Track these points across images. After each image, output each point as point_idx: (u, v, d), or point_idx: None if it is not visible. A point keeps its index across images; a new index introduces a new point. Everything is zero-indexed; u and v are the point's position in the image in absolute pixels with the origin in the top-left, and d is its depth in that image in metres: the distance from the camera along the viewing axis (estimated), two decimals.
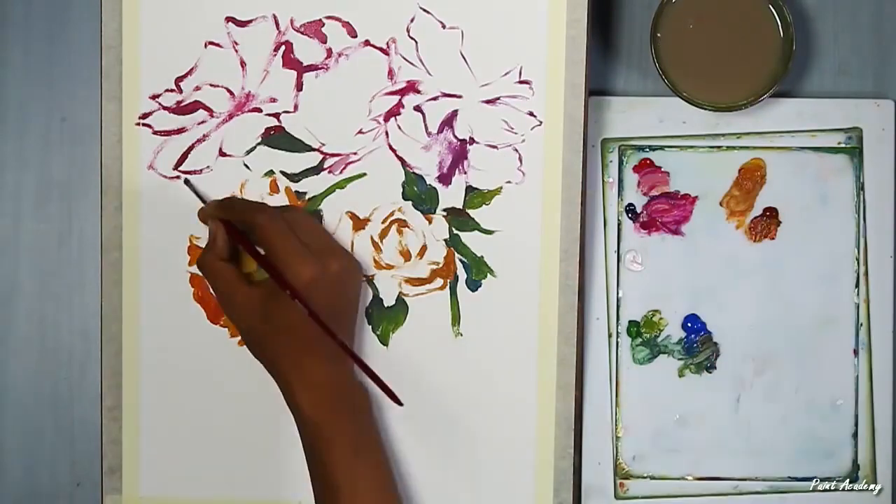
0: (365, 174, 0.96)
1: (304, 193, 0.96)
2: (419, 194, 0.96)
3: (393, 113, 0.95)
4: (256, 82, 0.95)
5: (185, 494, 0.96)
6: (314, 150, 0.96)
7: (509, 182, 0.95)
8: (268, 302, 0.89)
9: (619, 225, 0.99)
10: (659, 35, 0.95)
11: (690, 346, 0.99)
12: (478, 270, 0.96)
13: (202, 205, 0.94)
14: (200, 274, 0.95)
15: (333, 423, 0.89)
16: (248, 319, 0.90)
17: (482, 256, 0.96)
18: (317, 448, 0.89)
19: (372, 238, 0.96)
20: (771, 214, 0.99)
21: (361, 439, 0.90)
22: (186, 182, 0.94)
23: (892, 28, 1.00)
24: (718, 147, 0.99)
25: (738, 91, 0.95)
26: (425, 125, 0.95)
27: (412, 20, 0.95)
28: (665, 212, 0.99)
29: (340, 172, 0.96)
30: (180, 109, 0.95)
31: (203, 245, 0.95)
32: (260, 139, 0.96)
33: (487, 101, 0.95)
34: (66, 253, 1.00)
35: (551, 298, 0.95)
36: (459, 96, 0.95)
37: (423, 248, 0.96)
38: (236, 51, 0.95)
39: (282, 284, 0.88)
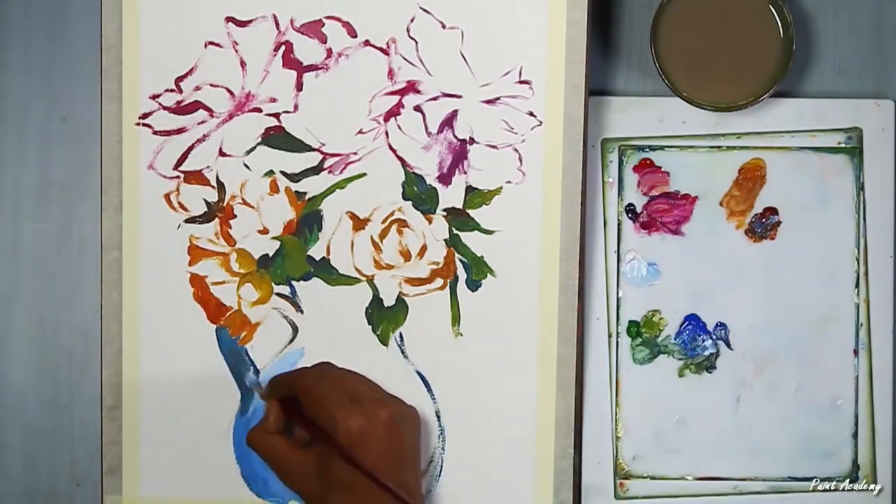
0: (365, 174, 0.96)
1: (304, 193, 0.96)
2: (419, 194, 0.96)
3: (393, 113, 0.95)
4: (256, 82, 0.95)
5: (185, 494, 0.96)
6: (314, 150, 0.96)
7: (509, 182, 0.95)
8: (321, 463, 0.89)
9: (619, 225, 0.99)
10: (659, 35, 0.95)
11: (690, 347, 0.99)
12: (478, 270, 0.96)
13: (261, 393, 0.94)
14: (201, 275, 0.95)
15: None
16: (307, 484, 0.90)
17: (482, 256, 0.96)
18: None
19: (372, 238, 0.96)
20: (771, 214, 0.99)
21: None
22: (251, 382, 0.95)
23: (892, 28, 1.00)
24: (718, 147, 0.99)
25: (739, 91, 0.95)
26: (425, 125, 0.95)
27: (412, 20, 0.95)
28: (665, 212, 0.99)
29: (340, 172, 0.96)
30: (180, 109, 0.95)
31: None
32: (260, 139, 0.96)
33: (487, 101, 0.95)
34: (66, 253, 1.00)
35: (551, 298, 0.95)
36: (459, 96, 0.95)
37: (423, 248, 0.96)
38: (236, 51, 0.95)
39: (330, 444, 0.88)
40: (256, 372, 0.96)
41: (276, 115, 0.95)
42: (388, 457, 0.89)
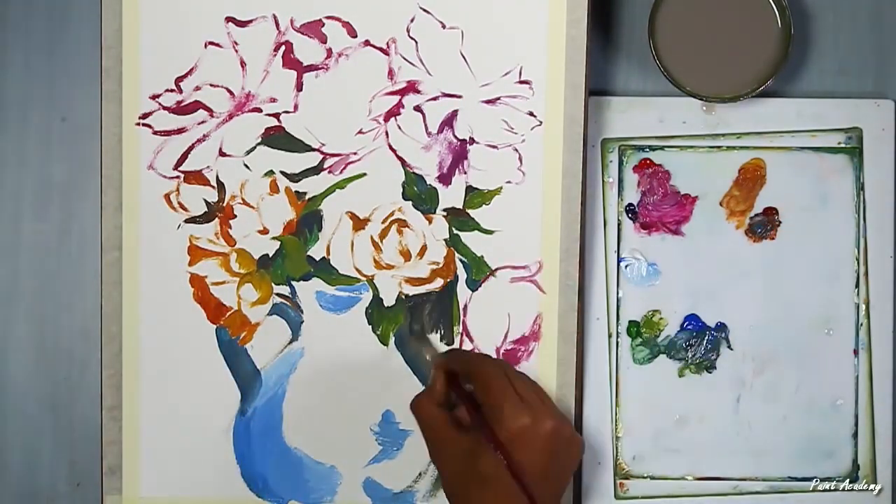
0: (365, 174, 0.96)
1: (304, 193, 0.96)
2: (419, 194, 0.96)
3: (393, 113, 0.95)
4: (256, 82, 0.95)
5: (185, 494, 0.96)
6: (314, 150, 0.96)
7: (509, 182, 0.95)
8: (475, 449, 0.88)
9: (619, 225, 0.99)
10: (657, 29, 0.95)
11: (690, 347, 0.99)
12: (478, 270, 0.96)
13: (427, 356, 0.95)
14: (201, 275, 0.95)
15: None
16: (454, 465, 0.90)
17: (482, 256, 0.96)
18: None
19: (372, 238, 0.96)
20: (771, 214, 0.99)
21: None
22: (415, 334, 0.95)
23: (892, 28, 1.00)
24: (718, 147, 0.99)
25: (740, 81, 0.95)
26: (425, 125, 0.95)
27: (412, 20, 0.95)
28: (665, 212, 0.99)
29: (340, 172, 0.96)
30: (180, 109, 0.95)
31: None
32: (260, 139, 0.96)
33: (487, 101, 0.95)
34: (66, 253, 1.00)
35: (551, 298, 0.95)
36: (459, 96, 0.95)
37: (423, 248, 0.96)
38: (236, 51, 0.95)
39: (487, 435, 0.88)
40: (257, 372, 0.96)
41: (276, 115, 0.95)
42: (538, 468, 0.88)
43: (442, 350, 0.95)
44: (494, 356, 0.95)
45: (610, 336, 0.99)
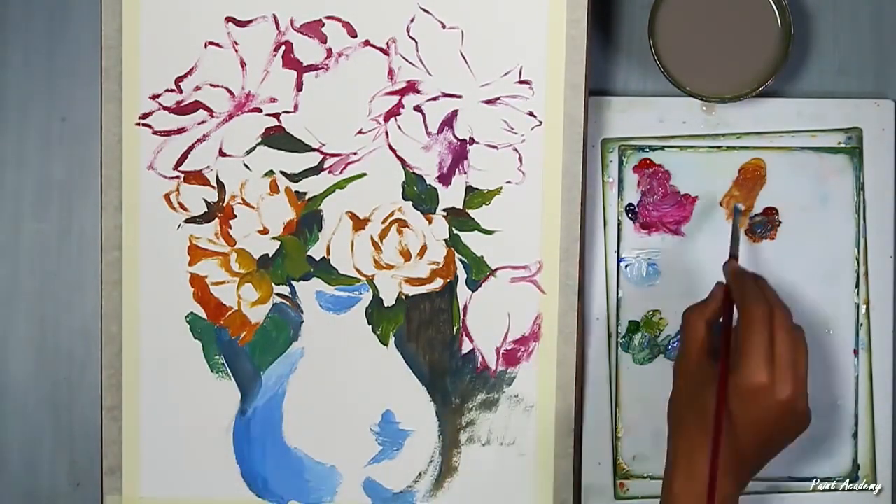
0: (365, 174, 0.96)
1: (304, 193, 0.96)
2: (419, 194, 0.96)
3: (393, 113, 0.95)
4: (256, 82, 0.95)
5: (185, 494, 0.96)
6: (314, 150, 0.96)
7: (509, 182, 0.95)
8: (710, 384, 0.85)
9: (619, 225, 0.99)
10: (657, 29, 0.95)
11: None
12: (478, 270, 0.96)
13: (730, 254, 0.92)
14: (201, 275, 0.95)
15: None
16: (688, 386, 0.87)
17: (482, 256, 0.96)
18: None
19: (372, 238, 0.96)
20: (771, 214, 0.99)
21: None
22: (734, 235, 0.93)
23: (892, 28, 1.00)
24: (718, 147, 0.99)
25: (740, 81, 0.95)
26: (425, 125, 0.95)
27: (412, 20, 0.95)
28: (665, 212, 0.99)
29: (340, 172, 0.96)
30: (180, 109, 0.95)
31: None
32: (260, 139, 0.96)
33: (487, 101, 0.95)
34: (66, 253, 1.00)
35: (551, 298, 0.95)
36: (459, 96, 0.95)
37: (423, 248, 0.96)
38: (236, 51, 0.95)
39: (721, 377, 0.84)
40: (257, 372, 0.96)
41: (276, 115, 0.95)
42: (753, 430, 0.84)
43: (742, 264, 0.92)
44: (688, 318, 0.90)
45: (610, 336, 0.99)
